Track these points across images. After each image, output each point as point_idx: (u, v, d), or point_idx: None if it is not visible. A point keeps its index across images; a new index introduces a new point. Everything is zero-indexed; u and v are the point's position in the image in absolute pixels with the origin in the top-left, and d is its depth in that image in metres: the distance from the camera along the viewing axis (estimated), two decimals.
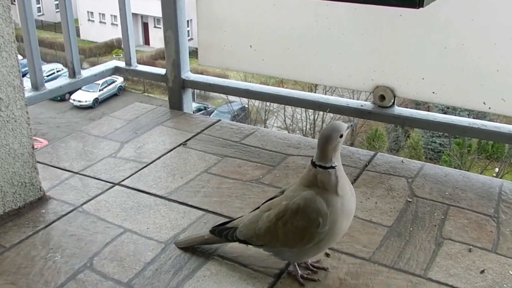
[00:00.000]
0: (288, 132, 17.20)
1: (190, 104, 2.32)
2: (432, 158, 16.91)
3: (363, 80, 1.95)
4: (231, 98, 16.36)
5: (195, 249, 1.38)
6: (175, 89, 2.28)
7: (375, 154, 1.88)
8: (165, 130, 2.08)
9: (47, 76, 20.70)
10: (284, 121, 17.42)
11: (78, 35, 27.17)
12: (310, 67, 2.02)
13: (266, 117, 18.08)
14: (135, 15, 25.28)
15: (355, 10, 1.82)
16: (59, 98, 18.81)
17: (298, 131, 17.68)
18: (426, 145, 16.87)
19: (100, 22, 26.79)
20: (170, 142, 1.98)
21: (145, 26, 26.27)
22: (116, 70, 2.43)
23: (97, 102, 21.00)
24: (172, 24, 2.16)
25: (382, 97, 1.92)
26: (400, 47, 1.84)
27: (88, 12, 27.29)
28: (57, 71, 21.09)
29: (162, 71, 2.33)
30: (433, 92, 1.85)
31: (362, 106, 1.98)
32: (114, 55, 23.27)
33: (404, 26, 1.80)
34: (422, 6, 1.40)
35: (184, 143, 1.97)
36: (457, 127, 1.85)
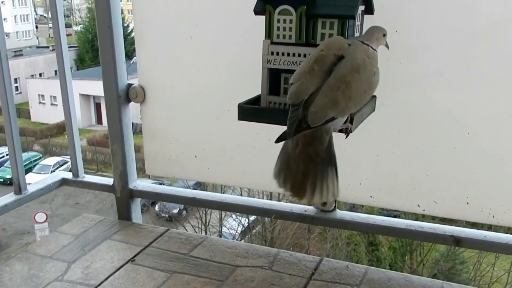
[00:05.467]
0: None
1: (138, 214, 2.33)
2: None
3: None
4: None
5: None
6: (123, 199, 2.30)
7: (321, 260, 1.94)
8: (113, 245, 2.08)
9: None
10: (241, 194, 17.44)
11: (29, 118, 26.97)
12: (254, 174, 2.09)
13: (223, 191, 18.06)
14: (87, 96, 25.46)
15: None
16: (8, 182, 18.40)
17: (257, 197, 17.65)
18: (382, 209, 17.17)
19: (52, 104, 26.75)
20: (118, 258, 1.98)
21: (98, 106, 26.40)
22: (64, 182, 2.43)
23: None
24: (118, 138, 2.21)
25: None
26: (337, 155, 1.94)
27: (39, 95, 27.25)
28: (6, 155, 20.68)
29: (109, 181, 2.36)
30: (371, 196, 1.94)
31: (305, 211, 2.05)
32: (66, 136, 23.05)
33: (339, 137, 1.91)
34: (351, 132, 1.51)
35: (132, 259, 1.97)
36: (396, 229, 1.93)
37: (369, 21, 1.58)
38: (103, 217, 2.34)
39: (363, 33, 1.49)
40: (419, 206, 1.88)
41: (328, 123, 1.32)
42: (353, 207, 10.21)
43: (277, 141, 1.35)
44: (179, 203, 2.40)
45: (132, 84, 2.17)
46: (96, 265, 1.94)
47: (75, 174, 2.42)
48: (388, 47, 1.50)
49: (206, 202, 2.22)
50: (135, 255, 2.00)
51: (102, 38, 2.12)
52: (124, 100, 2.17)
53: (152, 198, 2.36)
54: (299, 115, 1.30)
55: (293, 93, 1.32)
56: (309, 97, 1.31)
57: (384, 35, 1.45)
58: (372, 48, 1.41)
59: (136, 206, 2.33)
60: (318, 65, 1.33)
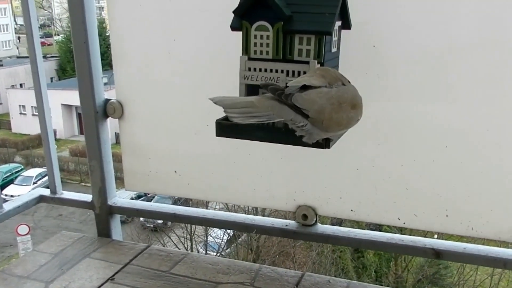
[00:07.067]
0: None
1: (118, 230, 2.30)
2: (373, 229, 17.28)
3: (286, 200, 2.02)
4: None
5: None
6: (103, 216, 2.27)
7: (302, 275, 1.92)
8: (92, 263, 2.05)
9: None
10: (227, 207, 17.41)
11: (10, 129, 26.65)
12: (234, 189, 2.08)
13: (207, 205, 18.03)
14: (69, 106, 25.24)
15: None
16: None
17: (241, 212, 17.65)
18: None
19: (33, 115, 26.51)
20: (97, 277, 1.94)
21: (80, 116, 26.19)
22: (41, 199, 2.40)
23: None
24: (97, 154, 2.18)
25: (305, 216, 1.99)
26: (317, 169, 1.94)
27: (20, 105, 26.98)
28: None
29: (88, 197, 2.32)
30: (351, 210, 1.94)
31: (287, 225, 2.04)
32: None
33: (319, 151, 1.90)
34: (329, 147, 1.50)
35: (111, 278, 1.93)
36: (376, 243, 1.93)
37: (346, 36, 1.59)
38: (82, 234, 2.31)
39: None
40: (399, 219, 1.88)
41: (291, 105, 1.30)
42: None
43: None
44: (160, 219, 2.38)
45: (110, 100, 2.14)
46: (75, 285, 1.90)
47: (53, 191, 2.38)
48: None
49: (187, 218, 2.20)
50: (115, 274, 1.96)
51: (78, 53, 2.09)
52: (102, 116, 2.15)
53: (131, 215, 2.33)
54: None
55: (295, 81, 1.34)
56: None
57: None
58: None
59: (116, 223, 2.30)
60: (326, 78, 1.35)
